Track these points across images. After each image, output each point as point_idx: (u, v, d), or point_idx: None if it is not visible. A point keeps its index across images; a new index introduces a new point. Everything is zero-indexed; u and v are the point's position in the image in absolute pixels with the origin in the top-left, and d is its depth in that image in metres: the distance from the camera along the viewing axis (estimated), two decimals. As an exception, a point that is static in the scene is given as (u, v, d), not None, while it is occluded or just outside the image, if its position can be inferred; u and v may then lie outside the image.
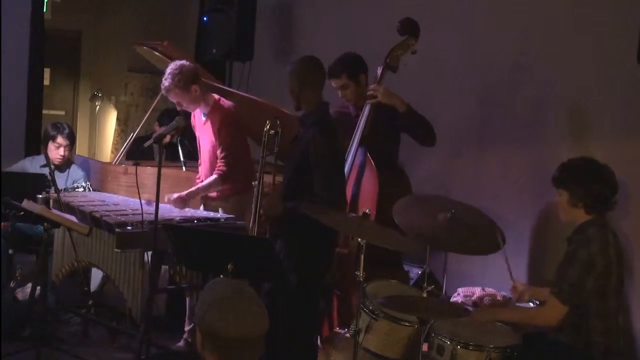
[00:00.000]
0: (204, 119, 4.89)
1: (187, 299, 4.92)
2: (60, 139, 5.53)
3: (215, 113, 4.84)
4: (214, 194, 4.90)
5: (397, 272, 4.65)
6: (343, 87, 4.65)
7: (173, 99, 4.79)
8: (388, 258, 4.36)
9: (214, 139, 4.83)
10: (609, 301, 3.62)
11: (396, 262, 4.74)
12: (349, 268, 4.42)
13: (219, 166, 4.79)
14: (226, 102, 4.94)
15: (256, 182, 4.32)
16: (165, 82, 4.72)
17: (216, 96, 4.93)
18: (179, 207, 4.69)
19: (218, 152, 4.80)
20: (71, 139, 5.61)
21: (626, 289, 4.08)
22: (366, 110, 4.60)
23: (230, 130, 4.80)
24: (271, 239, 3.86)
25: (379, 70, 4.65)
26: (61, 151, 5.52)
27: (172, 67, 4.74)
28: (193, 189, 4.81)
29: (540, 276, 4.68)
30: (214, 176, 4.80)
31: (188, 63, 4.80)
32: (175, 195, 4.71)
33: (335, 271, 4.31)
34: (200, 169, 5.03)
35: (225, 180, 4.79)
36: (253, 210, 4.20)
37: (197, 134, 5.02)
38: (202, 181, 4.93)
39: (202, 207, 4.96)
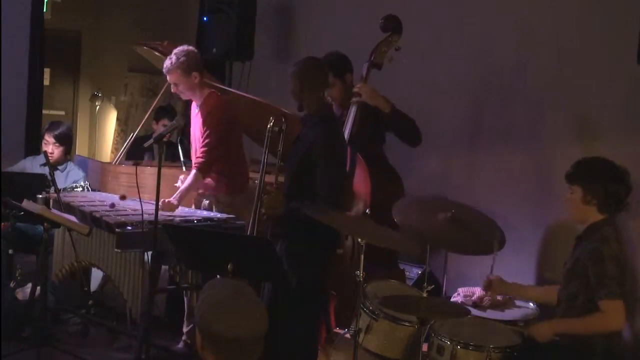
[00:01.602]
0: (196, 111, 4.90)
1: (186, 300, 4.92)
2: (46, 136, 5.53)
3: (206, 102, 4.84)
4: (205, 193, 4.89)
5: (393, 270, 4.66)
6: (329, 85, 4.66)
7: (171, 79, 4.79)
8: (384, 257, 4.36)
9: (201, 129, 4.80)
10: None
11: (392, 260, 4.74)
12: (345, 268, 4.43)
13: (197, 157, 4.74)
14: (221, 96, 4.94)
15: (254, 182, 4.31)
16: (169, 61, 4.74)
17: (212, 90, 4.93)
18: (168, 211, 4.60)
19: (203, 140, 4.74)
20: (60, 138, 5.51)
21: (627, 289, 4.08)
22: (352, 110, 4.61)
23: (217, 118, 4.76)
24: (271, 239, 3.86)
25: (364, 68, 4.66)
26: (49, 148, 5.49)
27: (179, 48, 4.79)
28: (178, 192, 4.71)
29: (540, 275, 4.68)
30: (193, 171, 4.74)
31: (195, 50, 4.83)
32: (167, 200, 4.61)
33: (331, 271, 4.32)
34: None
35: (205, 172, 4.73)
36: (253, 210, 4.20)
37: (191, 129, 4.99)
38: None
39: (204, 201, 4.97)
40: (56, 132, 5.52)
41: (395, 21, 4.67)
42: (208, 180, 4.83)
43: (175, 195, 4.69)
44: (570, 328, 3.66)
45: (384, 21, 4.68)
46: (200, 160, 4.73)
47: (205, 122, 4.76)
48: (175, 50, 4.78)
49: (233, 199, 4.86)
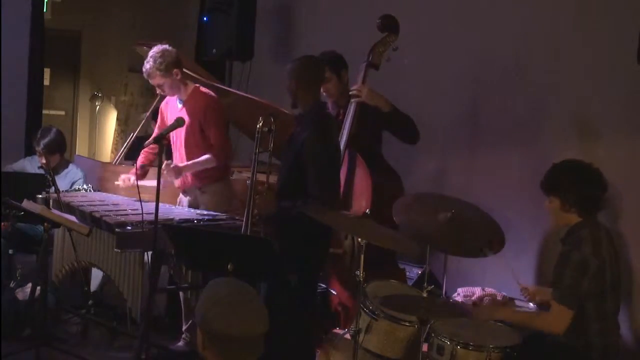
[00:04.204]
0: (179, 106, 4.87)
1: (182, 299, 4.92)
2: (37, 148, 5.47)
3: (196, 99, 4.84)
4: (188, 185, 4.92)
5: (393, 270, 4.66)
6: (325, 80, 4.68)
7: (154, 82, 4.80)
8: (383, 257, 4.37)
9: (191, 125, 4.79)
10: (606, 302, 3.63)
11: (391, 260, 4.74)
12: (344, 268, 4.43)
13: (213, 150, 4.79)
14: (206, 89, 4.94)
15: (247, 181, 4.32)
16: (147, 64, 4.74)
17: (195, 84, 4.93)
18: (171, 176, 4.72)
19: (211, 136, 4.79)
20: (50, 148, 5.44)
21: (626, 288, 4.08)
22: (351, 109, 4.62)
23: (216, 113, 4.82)
24: (271, 239, 3.86)
25: (362, 69, 4.67)
26: (42, 159, 5.46)
27: (154, 50, 4.77)
28: (189, 163, 4.81)
29: (541, 276, 4.68)
30: (208, 155, 4.79)
31: (170, 47, 4.82)
32: (172, 164, 4.74)
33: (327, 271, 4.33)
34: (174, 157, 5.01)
35: (220, 160, 4.81)
36: (246, 210, 4.19)
37: (167, 122, 4.96)
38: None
39: (180, 199, 5.01)
40: (45, 142, 5.44)
41: (392, 21, 4.67)
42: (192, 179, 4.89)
43: (183, 164, 4.79)
44: (511, 317, 3.77)
45: (380, 21, 4.69)
46: (217, 152, 4.78)
47: (205, 122, 4.77)
48: (150, 53, 4.77)
49: (214, 188, 4.89)
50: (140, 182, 4.60)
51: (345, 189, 4.58)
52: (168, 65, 4.72)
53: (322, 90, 4.69)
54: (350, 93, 4.63)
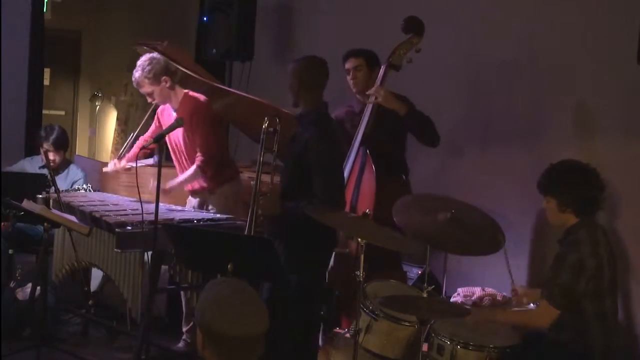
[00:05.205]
0: (174, 114, 4.87)
1: (183, 300, 4.92)
2: (45, 145, 5.49)
3: (184, 105, 4.83)
4: (197, 188, 4.90)
5: (395, 272, 4.65)
6: (357, 67, 4.68)
7: (143, 90, 4.79)
8: (386, 258, 4.36)
9: (185, 132, 4.79)
10: (605, 301, 3.63)
11: (394, 262, 4.74)
12: (350, 268, 4.42)
13: (198, 157, 4.78)
14: (195, 94, 4.92)
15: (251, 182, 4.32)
16: (136, 73, 4.74)
17: (185, 90, 4.91)
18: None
19: (197, 141, 4.77)
20: (58, 144, 5.49)
21: (626, 288, 4.08)
22: (368, 110, 4.61)
23: (202, 118, 4.78)
24: (271, 239, 3.85)
25: (382, 70, 4.65)
26: (50, 156, 5.46)
27: (142, 59, 4.77)
28: (174, 182, 4.81)
29: (541, 277, 4.68)
30: (194, 167, 4.78)
31: (158, 55, 4.81)
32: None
33: (335, 271, 4.32)
34: (177, 167, 5.00)
35: (205, 170, 4.79)
36: (250, 211, 4.19)
37: (163, 128, 4.94)
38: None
39: (189, 200, 5.00)
40: (53, 137, 5.48)
41: (417, 23, 4.64)
42: (200, 181, 4.87)
43: (171, 183, 4.75)
44: (506, 318, 3.81)
45: (405, 23, 4.63)
46: (202, 158, 4.76)
47: (191, 123, 4.75)
48: (138, 62, 4.76)
49: (223, 190, 4.88)
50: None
51: (355, 189, 4.59)
52: (156, 73, 4.71)
53: (350, 77, 4.70)
54: (368, 93, 4.61)
